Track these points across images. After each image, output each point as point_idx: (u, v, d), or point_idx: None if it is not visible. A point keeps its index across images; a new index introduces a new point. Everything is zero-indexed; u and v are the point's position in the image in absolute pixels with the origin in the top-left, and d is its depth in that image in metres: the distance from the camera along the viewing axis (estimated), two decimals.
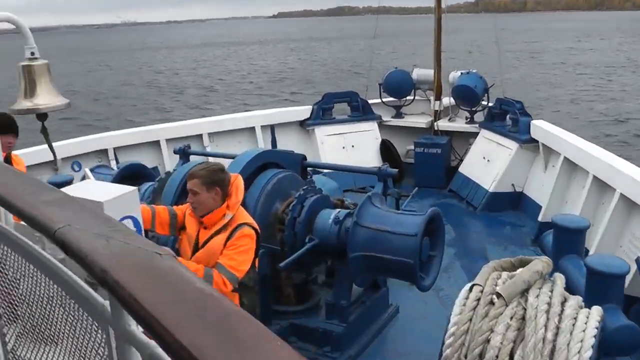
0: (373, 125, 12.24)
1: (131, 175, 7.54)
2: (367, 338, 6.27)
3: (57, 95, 4.44)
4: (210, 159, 9.70)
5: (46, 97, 4.33)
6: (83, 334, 1.80)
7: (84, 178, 7.90)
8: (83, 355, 1.82)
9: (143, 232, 3.64)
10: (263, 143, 11.34)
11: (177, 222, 4.61)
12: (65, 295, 1.87)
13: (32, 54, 4.24)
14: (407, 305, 6.95)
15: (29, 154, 8.29)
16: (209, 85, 43.86)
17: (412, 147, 12.05)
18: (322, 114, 11.94)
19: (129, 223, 3.51)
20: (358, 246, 5.69)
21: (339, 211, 6.11)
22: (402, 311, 6.91)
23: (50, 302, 2.01)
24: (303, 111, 12.05)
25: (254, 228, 4.49)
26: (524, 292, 3.80)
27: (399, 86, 12.63)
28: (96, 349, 1.73)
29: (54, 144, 10.19)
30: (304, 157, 7.09)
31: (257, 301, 4.67)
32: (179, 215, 4.63)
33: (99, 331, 1.70)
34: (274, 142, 7.90)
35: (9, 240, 2.29)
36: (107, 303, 1.61)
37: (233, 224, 4.42)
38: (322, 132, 11.81)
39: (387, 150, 12.10)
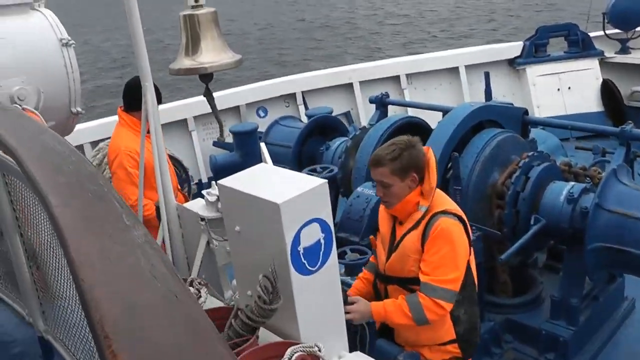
0: (593, 63, 10.51)
1: (320, 128, 6.77)
2: (599, 342, 5.12)
3: (226, 51, 3.67)
4: (410, 111, 8.83)
5: (212, 54, 3.57)
6: None
7: (273, 125, 7.27)
8: None
9: (334, 235, 2.76)
10: (467, 87, 10.14)
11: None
12: None
13: (196, 0, 3.47)
14: None
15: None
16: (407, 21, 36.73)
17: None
18: (535, 50, 10.42)
19: (315, 227, 2.66)
20: (599, 235, 4.51)
21: (573, 185, 4.92)
22: (639, 305, 5.63)
23: None
24: (512, 48, 10.59)
25: (456, 215, 3.37)
26: None
27: (627, 15, 10.65)
28: None
29: (238, 90, 9.88)
30: (525, 112, 5.85)
31: (478, 312, 3.66)
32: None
33: None
34: (488, 92, 6.70)
35: None
36: None
37: (427, 217, 3.36)
38: (534, 71, 10.32)
39: (608, 92, 10.37)
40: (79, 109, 4.55)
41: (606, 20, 10.72)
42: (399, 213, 3.45)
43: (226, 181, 2.76)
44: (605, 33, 10.82)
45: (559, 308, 4.94)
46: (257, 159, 9.31)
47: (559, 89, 10.27)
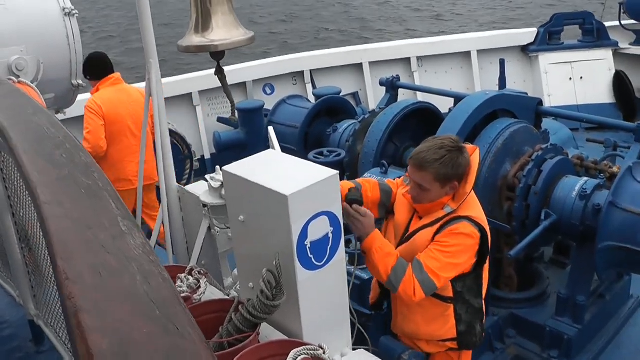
0: (607, 54, 10.30)
1: (328, 109, 6.60)
2: (603, 340, 5.00)
3: (238, 27, 3.49)
4: (420, 95, 8.65)
5: (223, 31, 3.40)
6: None
7: (280, 104, 7.10)
8: None
9: (342, 231, 2.63)
10: (479, 71, 9.96)
11: (390, 202, 3.48)
12: None
13: None
14: None
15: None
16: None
17: None
18: (549, 38, 10.21)
19: (324, 221, 2.52)
20: (612, 234, 4.37)
21: (586, 181, 4.77)
22: None
23: None
24: (525, 34, 10.37)
25: (478, 225, 3.17)
26: None
27: None
28: None
29: (244, 65, 9.69)
30: (540, 102, 5.69)
31: (483, 328, 3.52)
32: (393, 192, 3.49)
33: None
34: (502, 80, 6.53)
35: None
36: None
37: (448, 218, 3.20)
38: (546, 59, 10.12)
39: (621, 84, 10.18)
40: (80, 82, 4.40)
41: (622, 11, 10.49)
42: (422, 210, 3.27)
43: (232, 168, 2.62)
44: (620, 23, 10.60)
45: (565, 305, 4.83)
46: (262, 137, 9.20)
47: (570, 78, 10.08)
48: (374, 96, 9.70)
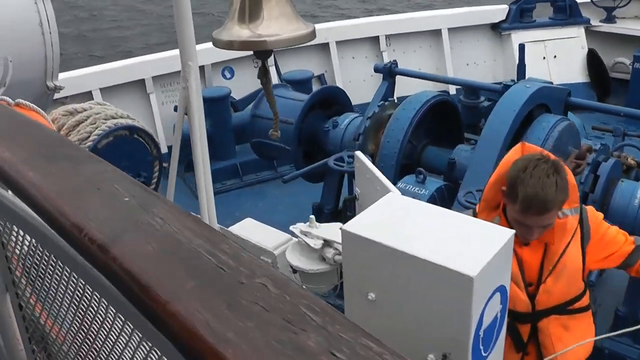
0: (579, 31, 9.93)
1: (322, 101, 5.79)
2: None
3: (295, 19, 2.67)
4: (431, 85, 7.84)
5: (276, 23, 2.58)
6: None
7: (264, 96, 6.23)
8: None
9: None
10: (450, 51, 9.36)
11: None
12: None
13: None
14: None
15: None
16: None
17: (625, 59, 9.76)
18: (521, 15, 9.70)
19: (496, 299, 1.82)
20: None
21: None
22: None
23: None
24: (497, 12, 9.84)
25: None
26: None
27: None
28: None
29: (200, 47, 8.75)
30: (569, 93, 5.12)
31: None
32: None
33: None
34: (522, 67, 5.90)
35: None
36: None
37: (577, 215, 2.78)
38: (519, 37, 9.60)
39: (594, 62, 9.85)
40: (57, 83, 3.45)
41: None
42: (550, 236, 2.73)
43: (356, 227, 1.85)
44: (592, 0, 10.22)
45: (623, 323, 4.30)
46: (229, 130, 8.27)
47: (544, 57, 9.65)
48: (342, 78, 8.98)
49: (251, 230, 3.19)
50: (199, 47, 8.81)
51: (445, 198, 4.25)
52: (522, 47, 6.05)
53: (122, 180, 1.15)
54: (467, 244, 1.73)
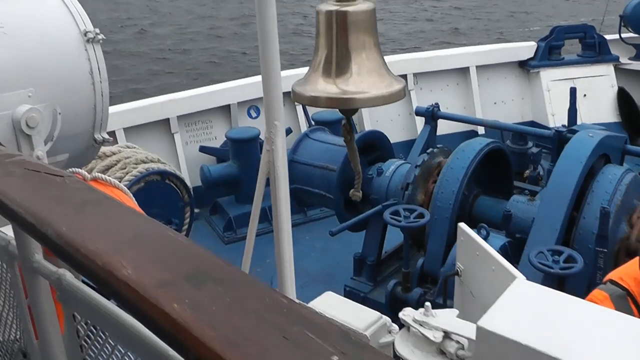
0: (609, 69, 9.77)
1: (364, 147, 5.54)
2: None
3: (385, 74, 2.42)
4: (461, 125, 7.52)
5: (365, 79, 2.34)
6: None
7: (303, 139, 5.99)
8: None
9: None
10: (478, 89, 9.16)
11: None
12: None
13: None
14: None
15: None
16: None
17: None
18: (549, 53, 9.52)
19: None
20: None
21: None
22: None
23: None
24: (525, 49, 9.67)
25: None
26: None
27: None
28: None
29: (227, 85, 8.59)
30: (626, 140, 4.89)
31: None
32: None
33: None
34: (573, 112, 5.65)
35: None
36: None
37: None
38: (548, 76, 9.43)
39: (625, 101, 9.64)
40: (105, 136, 3.20)
41: (622, 24, 9.94)
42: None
43: (496, 325, 1.58)
44: (620, 37, 10.05)
45: None
46: (257, 172, 8.03)
47: None
48: (370, 117, 8.77)
49: (334, 305, 2.92)
50: (224, 85, 8.70)
51: (509, 255, 3.99)
52: (573, 91, 5.82)
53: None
54: None
